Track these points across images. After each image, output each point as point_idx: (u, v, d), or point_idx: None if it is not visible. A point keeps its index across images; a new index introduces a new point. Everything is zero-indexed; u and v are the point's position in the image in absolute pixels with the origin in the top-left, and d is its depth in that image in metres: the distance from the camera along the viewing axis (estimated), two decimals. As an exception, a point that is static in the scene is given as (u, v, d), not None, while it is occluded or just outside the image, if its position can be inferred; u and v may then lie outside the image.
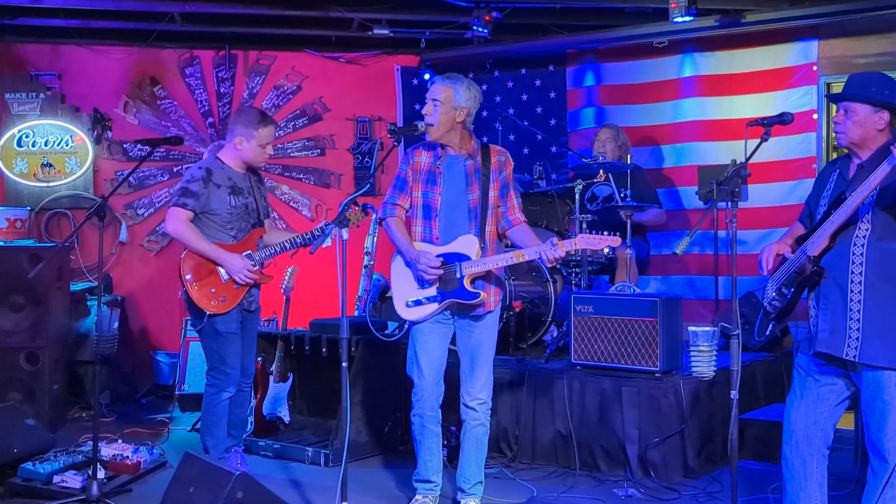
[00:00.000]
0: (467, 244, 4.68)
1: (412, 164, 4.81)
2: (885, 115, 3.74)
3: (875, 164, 3.58)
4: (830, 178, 3.96)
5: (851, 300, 3.75)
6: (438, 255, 4.69)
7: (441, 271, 4.65)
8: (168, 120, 8.69)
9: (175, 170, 8.67)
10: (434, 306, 4.72)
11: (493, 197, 4.75)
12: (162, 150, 8.48)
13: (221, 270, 5.20)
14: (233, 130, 5.32)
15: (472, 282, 4.68)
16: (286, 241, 5.33)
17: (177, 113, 8.71)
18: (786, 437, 4.03)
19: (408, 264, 4.77)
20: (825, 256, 3.82)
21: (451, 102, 4.68)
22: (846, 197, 3.71)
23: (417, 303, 4.74)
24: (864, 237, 3.74)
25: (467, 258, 4.66)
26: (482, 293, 4.68)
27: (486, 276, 4.74)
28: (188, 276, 5.17)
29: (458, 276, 4.65)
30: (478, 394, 4.79)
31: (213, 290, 5.17)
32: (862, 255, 3.73)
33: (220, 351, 5.26)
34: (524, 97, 8.72)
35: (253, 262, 5.22)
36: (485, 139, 8.48)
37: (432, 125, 4.69)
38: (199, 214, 5.19)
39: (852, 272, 3.75)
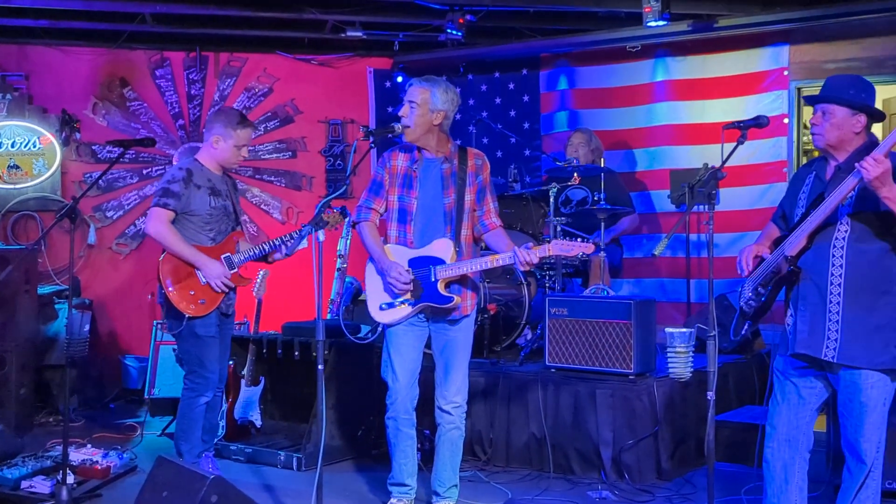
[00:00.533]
0: (442, 248, 4.66)
1: (389, 168, 4.78)
2: (863, 118, 3.76)
3: (853, 167, 3.59)
4: (807, 180, 3.98)
5: (830, 301, 3.77)
6: (413, 259, 4.67)
7: (411, 286, 4.64)
8: (138, 122, 8.61)
9: (145, 172, 8.59)
10: (407, 310, 4.70)
11: (469, 201, 4.74)
12: (132, 152, 8.41)
13: (200, 273, 5.15)
14: (210, 129, 5.29)
15: (447, 286, 4.66)
16: (264, 244, 5.30)
17: (147, 115, 8.64)
18: (768, 441, 4.04)
19: (380, 271, 4.75)
20: (803, 257, 3.83)
21: (427, 105, 4.65)
22: (826, 198, 3.72)
23: (390, 306, 4.72)
24: (843, 238, 3.75)
25: (442, 262, 4.64)
26: (456, 297, 4.66)
27: (462, 281, 4.73)
28: (167, 279, 5.12)
29: (433, 280, 4.63)
30: (453, 397, 4.77)
31: (192, 293, 5.13)
32: (841, 256, 3.74)
33: (200, 355, 5.21)
34: (498, 100, 8.73)
35: (231, 266, 5.19)
36: (458, 142, 8.55)
37: (409, 127, 4.66)
38: (180, 215, 5.15)
39: (832, 273, 3.76)
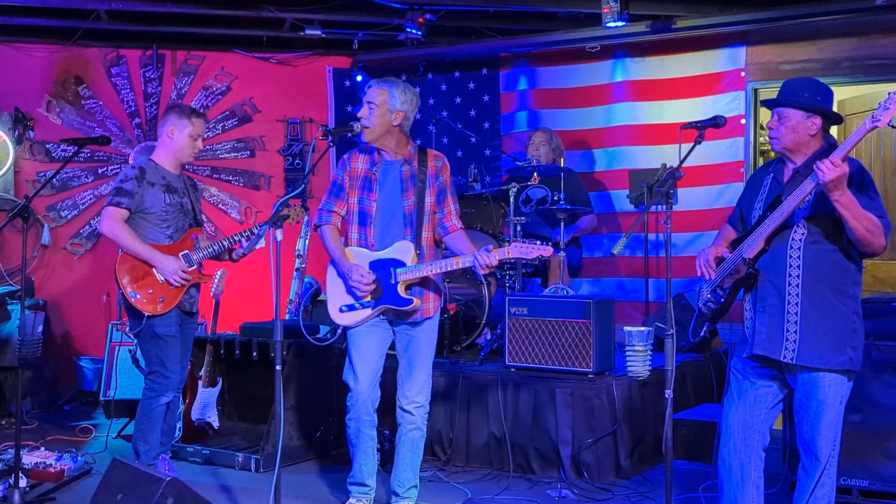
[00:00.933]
0: (403, 250, 4.65)
1: (349, 170, 4.77)
2: (818, 121, 3.79)
3: (810, 170, 3.62)
4: (764, 182, 4.00)
5: (789, 303, 3.79)
6: (374, 261, 4.66)
7: (373, 287, 4.62)
8: (93, 120, 8.50)
9: (100, 171, 8.49)
10: (367, 312, 4.68)
11: (429, 203, 4.73)
12: (87, 150, 8.30)
13: (157, 271, 5.10)
14: (164, 122, 5.26)
15: (408, 288, 4.65)
16: (224, 240, 5.26)
17: (102, 113, 8.53)
18: (723, 440, 4.06)
19: (340, 274, 4.72)
20: (761, 259, 3.86)
21: (386, 105, 4.64)
22: (784, 200, 3.75)
23: (351, 308, 4.70)
24: (800, 241, 3.78)
25: (402, 264, 4.63)
26: (416, 300, 4.65)
27: (424, 283, 4.72)
28: (125, 278, 5.07)
29: (393, 282, 4.61)
30: (415, 397, 4.76)
31: (151, 292, 5.08)
32: (799, 258, 3.78)
33: (160, 354, 5.16)
34: (458, 100, 8.72)
35: (190, 263, 5.13)
36: (417, 142, 8.53)
37: (368, 127, 4.64)
38: (135, 214, 5.10)
39: (789, 275, 3.79)
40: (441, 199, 4.77)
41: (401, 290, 4.62)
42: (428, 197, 4.72)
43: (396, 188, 4.71)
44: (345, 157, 4.83)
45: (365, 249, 4.71)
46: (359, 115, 4.68)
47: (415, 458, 4.83)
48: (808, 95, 3.79)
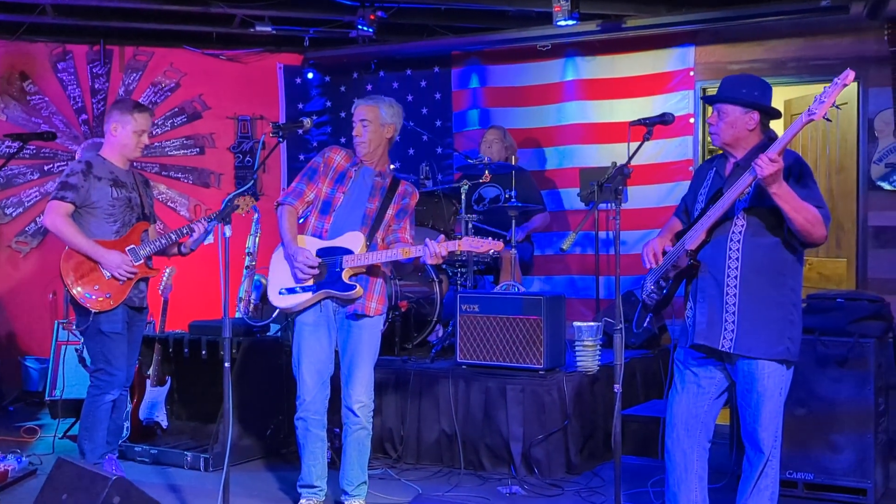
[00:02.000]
0: (353, 240, 4.68)
1: (326, 158, 4.85)
2: (756, 116, 3.86)
3: (750, 164, 3.68)
4: (707, 176, 4.07)
5: (727, 293, 3.85)
6: (322, 249, 4.68)
7: (316, 271, 4.64)
8: (39, 116, 8.37)
9: (46, 168, 8.35)
10: (307, 296, 4.68)
11: (389, 215, 4.81)
12: (32, 146, 8.16)
13: (101, 267, 5.04)
14: (108, 119, 5.21)
15: (354, 276, 4.66)
16: (171, 233, 5.21)
17: (48, 109, 8.40)
18: (668, 431, 4.10)
19: (287, 256, 4.73)
20: (702, 251, 3.91)
21: (378, 120, 4.79)
22: (724, 193, 3.81)
23: (291, 291, 4.70)
24: (739, 233, 3.84)
25: (350, 252, 4.65)
26: (358, 286, 4.66)
27: (370, 280, 4.74)
28: (70, 275, 5.00)
29: (338, 269, 4.63)
30: (358, 396, 4.75)
31: (97, 288, 5.02)
32: (738, 250, 3.84)
33: (105, 352, 5.10)
34: (410, 98, 8.71)
35: (136, 257, 5.08)
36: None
37: (363, 143, 4.77)
38: (81, 209, 5.05)
39: (728, 266, 3.85)
40: (401, 216, 4.85)
41: (344, 276, 4.64)
42: (390, 209, 4.80)
43: (365, 190, 4.79)
44: (327, 147, 4.93)
45: (316, 238, 4.73)
46: (354, 133, 4.79)
47: (362, 457, 4.83)
48: (745, 91, 3.86)
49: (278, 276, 4.77)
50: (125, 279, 5.06)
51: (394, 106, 4.86)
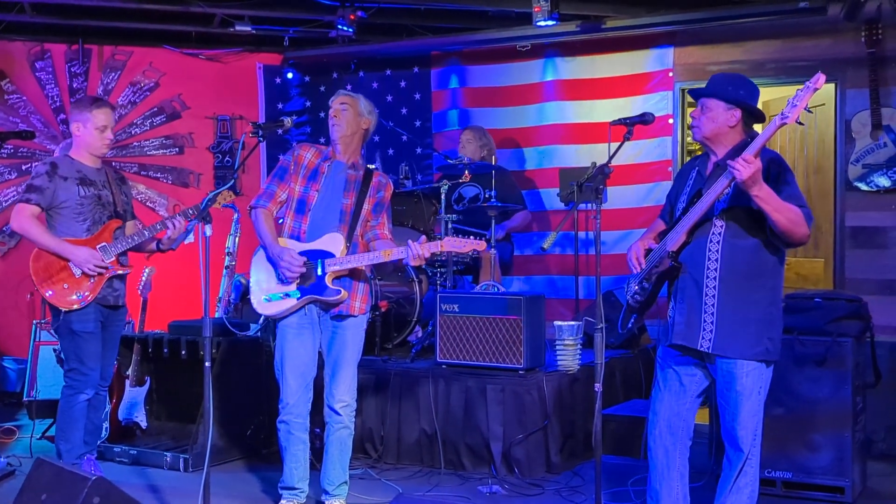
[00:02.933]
0: (333, 242, 4.66)
1: (296, 157, 4.82)
2: (737, 113, 3.88)
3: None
4: (690, 176, 4.09)
5: (706, 294, 3.87)
6: (303, 252, 4.65)
7: (304, 269, 4.61)
8: (16, 115, 8.32)
9: (24, 168, 8.30)
10: (292, 302, 4.66)
11: (366, 210, 4.79)
12: (10, 146, 8.10)
13: (72, 265, 5.02)
14: (70, 120, 5.21)
15: (337, 279, 4.65)
16: (146, 230, 5.18)
17: (26, 108, 8.35)
18: (650, 429, 4.13)
19: (270, 259, 4.70)
20: (683, 251, 3.93)
21: (357, 107, 4.80)
22: (703, 194, 3.83)
23: (275, 297, 4.67)
24: (719, 234, 3.86)
25: (331, 256, 4.62)
26: (343, 291, 4.64)
27: (353, 281, 4.73)
28: (39, 274, 4.98)
29: (321, 272, 4.61)
30: (341, 396, 4.74)
31: (66, 287, 5.00)
32: (717, 251, 3.85)
33: (77, 351, 5.07)
34: (389, 98, 8.71)
35: (107, 254, 5.06)
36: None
37: (340, 125, 4.75)
38: (50, 210, 5.04)
39: (708, 267, 3.87)
40: (378, 211, 4.84)
41: (328, 280, 4.62)
42: (366, 203, 4.78)
43: (339, 186, 4.76)
44: (295, 144, 4.92)
45: (294, 241, 4.70)
46: (332, 114, 4.78)
47: (343, 456, 4.82)
48: (731, 89, 3.89)
49: (260, 282, 4.74)
50: (95, 274, 5.04)
51: (371, 104, 4.89)
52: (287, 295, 4.65)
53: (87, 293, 5.03)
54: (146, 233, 5.16)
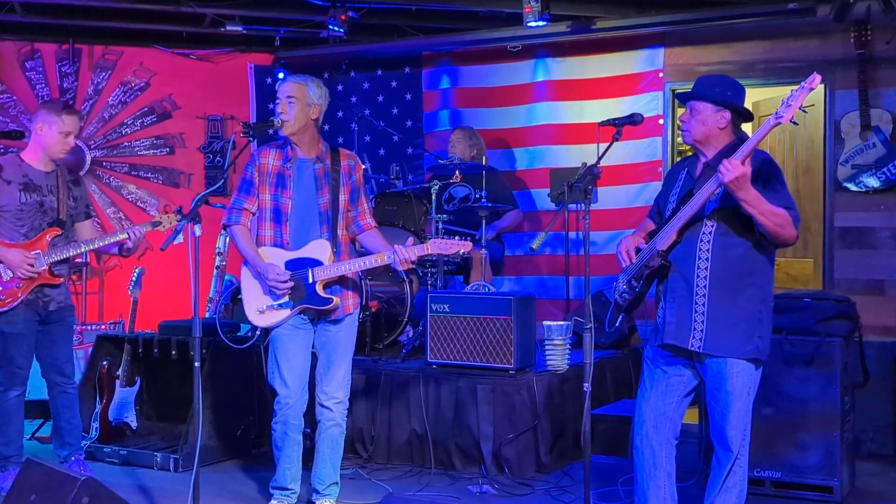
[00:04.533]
0: (319, 249, 4.63)
1: (258, 166, 4.71)
2: (727, 115, 3.89)
3: (718, 164, 3.72)
4: (679, 176, 4.10)
5: (697, 293, 3.88)
6: (290, 261, 4.62)
7: (291, 284, 4.59)
8: (6, 115, 8.31)
9: (14, 167, 8.27)
10: (286, 312, 4.64)
11: (343, 201, 4.72)
12: (14, 147, 8.09)
13: (2, 268, 5.04)
14: (35, 117, 5.20)
15: (327, 286, 4.64)
16: (85, 242, 5.20)
17: (16, 108, 8.33)
18: (637, 428, 4.13)
19: (257, 274, 4.68)
20: (673, 251, 3.94)
21: (305, 99, 4.64)
22: (694, 194, 3.84)
23: (269, 308, 4.66)
24: (709, 233, 3.87)
25: (319, 263, 4.60)
26: (335, 298, 4.63)
27: (342, 281, 4.71)
28: None
29: (311, 281, 4.59)
30: (334, 393, 4.74)
31: None
32: (708, 250, 3.87)
33: (5, 351, 5.13)
34: (380, 98, 8.72)
35: (40, 262, 5.06)
36: (340, 140, 8.52)
37: (289, 121, 4.61)
38: None
39: (698, 266, 3.88)
40: (355, 198, 4.79)
41: (319, 289, 4.60)
42: (342, 195, 4.72)
43: (311, 186, 4.68)
44: (255, 152, 4.77)
45: (279, 249, 4.66)
46: (278, 109, 4.64)
47: (334, 455, 4.82)
48: (718, 90, 3.90)
49: (252, 295, 4.71)
50: (26, 277, 5.04)
51: (321, 87, 4.71)
52: (280, 306, 4.64)
53: (10, 295, 5.05)
54: (82, 245, 5.16)
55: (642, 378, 4.16)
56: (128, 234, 5.16)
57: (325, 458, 4.79)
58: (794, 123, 3.57)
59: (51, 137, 5.12)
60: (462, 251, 4.67)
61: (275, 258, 4.64)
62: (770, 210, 3.68)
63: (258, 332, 5.52)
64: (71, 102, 8.36)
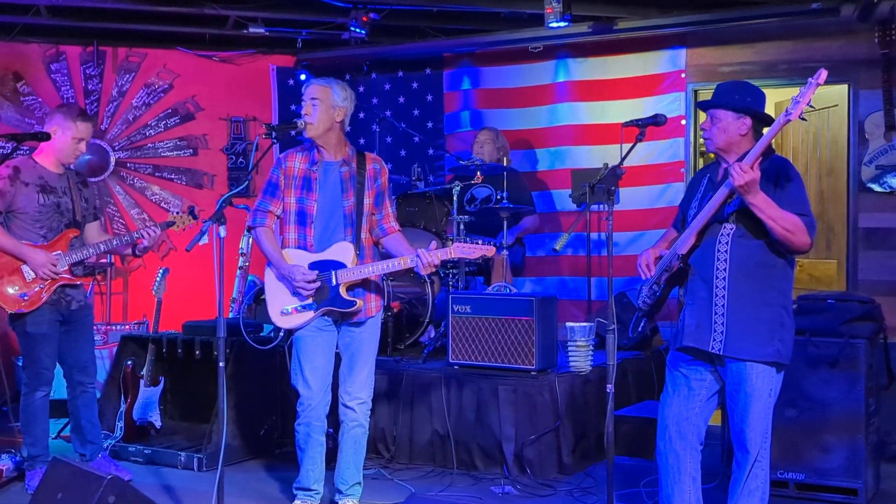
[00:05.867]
0: (343, 251, 4.65)
1: (284, 169, 4.74)
2: (748, 121, 3.89)
3: None
4: (701, 183, 4.11)
5: (716, 296, 3.89)
6: (313, 263, 4.64)
7: (318, 284, 4.60)
8: (32, 117, 8.37)
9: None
10: (309, 314, 4.66)
11: (367, 204, 4.74)
12: (26, 147, 8.14)
13: (26, 269, 5.09)
14: (50, 121, 5.25)
15: (350, 289, 4.65)
16: (104, 242, 5.26)
17: (41, 110, 8.39)
18: (660, 433, 4.13)
19: (281, 277, 4.70)
20: (693, 254, 3.95)
21: (329, 101, 4.65)
22: (711, 198, 3.86)
23: (293, 311, 4.68)
24: (728, 236, 3.88)
25: (343, 266, 4.62)
26: (358, 301, 4.65)
27: (365, 284, 4.73)
28: None
29: (335, 283, 4.61)
30: (357, 393, 4.75)
31: (15, 289, 5.08)
32: (726, 252, 3.87)
33: (31, 352, 5.19)
34: (401, 99, 8.74)
35: (61, 263, 5.12)
36: (362, 141, 8.55)
37: (312, 124, 4.63)
38: (8, 213, 5.11)
39: (717, 269, 3.89)
40: (379, 202, 4.80)
41: (343, 291, 4.62)
42: (367, 199, 4.73)
43: (337, 188, 4.70)
44: (281, 156, 4.80)
45: (303, 251, 4.68)
46: (303, 112, 4.65)
47: (357, 456, 4.83)
48: (738, 97, 3.90)
49: (276, 297, 4.73)
50: (48, 279, 5.09)
51: (346, 90, 4.72)
52: (304, 307, 4.66)
53: (34, 296, 5.10)
54: (102, 246, 5.22)
55: (665, 382, 4.15)
56: (142, 234, 5.22)
57: (349, 459, 4.81)
58: (803, 119, 3.59)
59: (64, 142, 5.18)
60: (485, 255, 4.66)
61: (298, 260, 4.66)
62: (780, 215, 3.68)
63: (281, 333, 5.57)
64: (94, 110, 8.43)
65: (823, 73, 3.51)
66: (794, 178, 3.83)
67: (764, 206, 3.66)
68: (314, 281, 4.59)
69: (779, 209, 3.68)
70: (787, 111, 3.55)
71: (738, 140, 3.91)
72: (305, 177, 4.70)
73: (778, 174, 3.79)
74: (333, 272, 4.61)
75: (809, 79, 3.52)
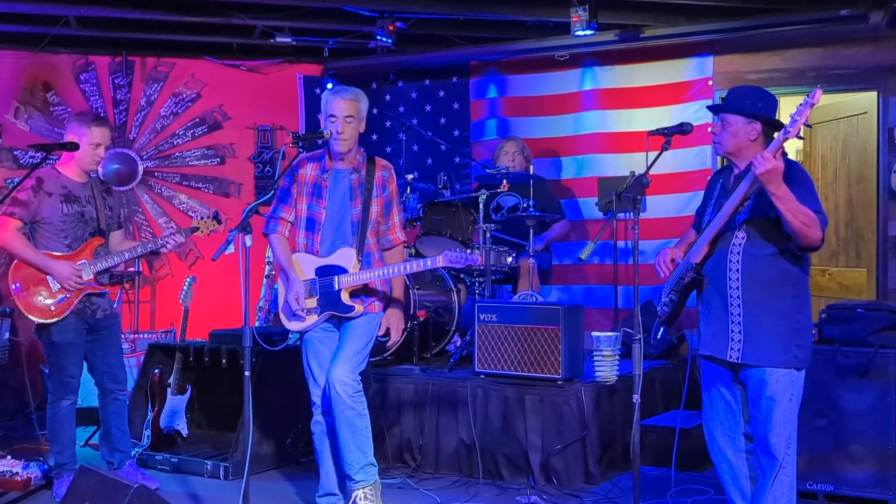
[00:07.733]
0: (345, 257, 4.73)
1: (296, 176, 4.83)
2: (758, 126, 3.91)
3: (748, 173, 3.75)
4: (715, 188, 4.15)
5: (731, 304, 3.91)
6: (319, 267, 4.74)
7: (305, 308, 4.71)
8: (62, 127, 8.42)
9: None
10: (313, 318, 4.77)
11: (375, 212, 4.82)
12: (55, 156, 8.22)
13: (51, 279, 5.13)
14: (66, 132, 5.30)
15: (352, 294, 4.73)
16: (128, 250, 5.30)
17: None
18: (710, 446, 4.19)
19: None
20: (707, 263, 3.98)
21: (359, 115, 4.77)
22: (723, 205, 3.87)
23: (299, 317, 4.79)
24: (739, 244, 3.90)
25: (345, 271, 4.70)
26: (358, 306, 4.74)
27: (368, 290, 4.80)
28: (16, 285, 5.12)
29: (336, 288, 4.69)
30: (338, 374, 4.61)
31: (41, 299, 5.12)
32: (738, 261, 3.89)
33: (56, 361, 5.23)
34: (428, 108, 8.75)
35: (87, 272, 5.16)
36: (388, 150, 8.57)
37: (346, 140, 4.71)
38: (33, 224, 5.15)
39: (730, 278, 3.91)
40: (387, 210, 4.88)
41: (344, 296, 4.71)
42: (374, 206, 4.81)
43: (345, 196, 4.78)
44: (294, 163, 4.86)
45: (311, 255, 4.79)
46: (338, 129, 4.69)
47: (357, 437, 4.65)
48: (749, 102, 3.93)
49: (286, 301, 4.84)
50: (74, 289, 5.12)
51: (366, 99, 4.84)
52: (309, 311, 4.77)
53: (59, 307, 5.14)
54: (127, 254, 5.26)
55: (703, 396, 4.18)
56: (167, 241, 5.26)
57: (348, 442, 4.65)
58: (800, 138, 3.65)
59: (81, 149, 5.21)
60: (472, 264, 4.79)
61: (306, 264, 4.79)
62: (799, 208, 3.69)
63: (296, 336, 5.59)
64: (123, 119, 8.50)
65: (818, 94, 3.56)
66: (805, 177, 3.88)
67: (786, 198, 3.68)
68: (300, 309, 4.71)
69: (797, 203, 3.70)
70: (785, 129, 3.62)
71: (747, 145, 3.93)
72: (316, 184, 4.79)
73: (789, 173, 3.79)
74: (336, 277, 4.70)
75: (805, 98, 3.57)
